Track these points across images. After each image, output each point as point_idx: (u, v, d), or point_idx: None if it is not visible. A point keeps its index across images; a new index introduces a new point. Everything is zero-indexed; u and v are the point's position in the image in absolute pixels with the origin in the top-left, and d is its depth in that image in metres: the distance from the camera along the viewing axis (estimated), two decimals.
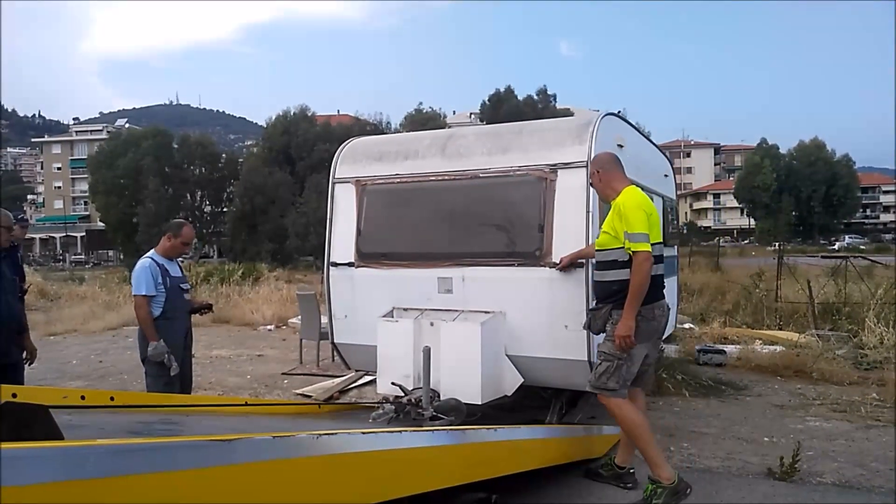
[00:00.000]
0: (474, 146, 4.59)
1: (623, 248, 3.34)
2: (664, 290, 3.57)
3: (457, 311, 4.38)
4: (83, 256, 58.86)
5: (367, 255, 4.78)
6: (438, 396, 4.00)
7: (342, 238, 4.91)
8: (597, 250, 3.59)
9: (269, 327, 11.12)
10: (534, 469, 3.27)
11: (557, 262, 4.05)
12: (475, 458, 2.71)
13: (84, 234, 69.22)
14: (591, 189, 3.83)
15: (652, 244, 3.34)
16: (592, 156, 3.93)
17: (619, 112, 5.02)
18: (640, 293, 3.28)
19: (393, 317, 4.52)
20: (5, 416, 1.44)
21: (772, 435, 4.80)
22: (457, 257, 4.44)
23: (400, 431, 2.39)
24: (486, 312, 4.26)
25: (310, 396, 6.21)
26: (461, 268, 4.41)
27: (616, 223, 3.37)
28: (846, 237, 57.20)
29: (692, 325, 9.40)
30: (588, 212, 4.00)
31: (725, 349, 7.50)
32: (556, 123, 4.80)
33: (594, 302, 3.68)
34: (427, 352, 3.86)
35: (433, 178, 4.63)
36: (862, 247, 42.16)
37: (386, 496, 2.00)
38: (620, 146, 4.58)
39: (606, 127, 4.35)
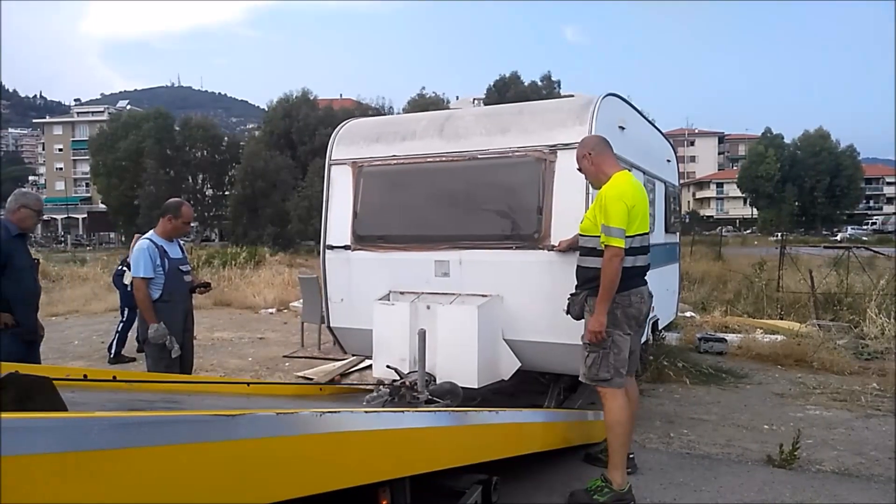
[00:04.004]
0: (473, 127, 4.50)
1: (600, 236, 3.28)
2: (645, 278, 3.49)
3: (454, 294, 4.32)
4: (84, 238, 58.93)
5: (364, 238, 4.72)
6: (434, 380, 3.96)
7: (338, 221, 4.83)
8: (579, 235, 3.54)
9: (270, 311, 11.11)
10: (534, 452, 3.25)
11: (556, 244, 3.99)
12: (477, 440, 2.68)
13: (86, 215, 69.31)
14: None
15: (635, 235, 3.27)
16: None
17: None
18: (610, 288, 3.22)
19: (389, 300, 4.46)
20: (9, 386, 1.45)
21: (771, 423, 4.77)
22: (454, 240, 4.37)
23: (403, 411, 2.36)
24: (484, 296, 4.20)
25: (311, 379, 6.20)
26: (458, 251, 4.34)
27: (597, 213, 3.30)
28: (848, 228, 56.99)
29: (693, 314, 9.38)
30: (588, 194, 3.88)
31: (726, 338, 7.48)
32: (557, 104, 4.69)
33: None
34: (422, 334, 3.81)
35: (431, 159, 4.53)
36: (864, 238, 42.02)
37: (388, 475, 1.98)
38: (622, 128, 4.49)
39: (608, 107, 4.25)
